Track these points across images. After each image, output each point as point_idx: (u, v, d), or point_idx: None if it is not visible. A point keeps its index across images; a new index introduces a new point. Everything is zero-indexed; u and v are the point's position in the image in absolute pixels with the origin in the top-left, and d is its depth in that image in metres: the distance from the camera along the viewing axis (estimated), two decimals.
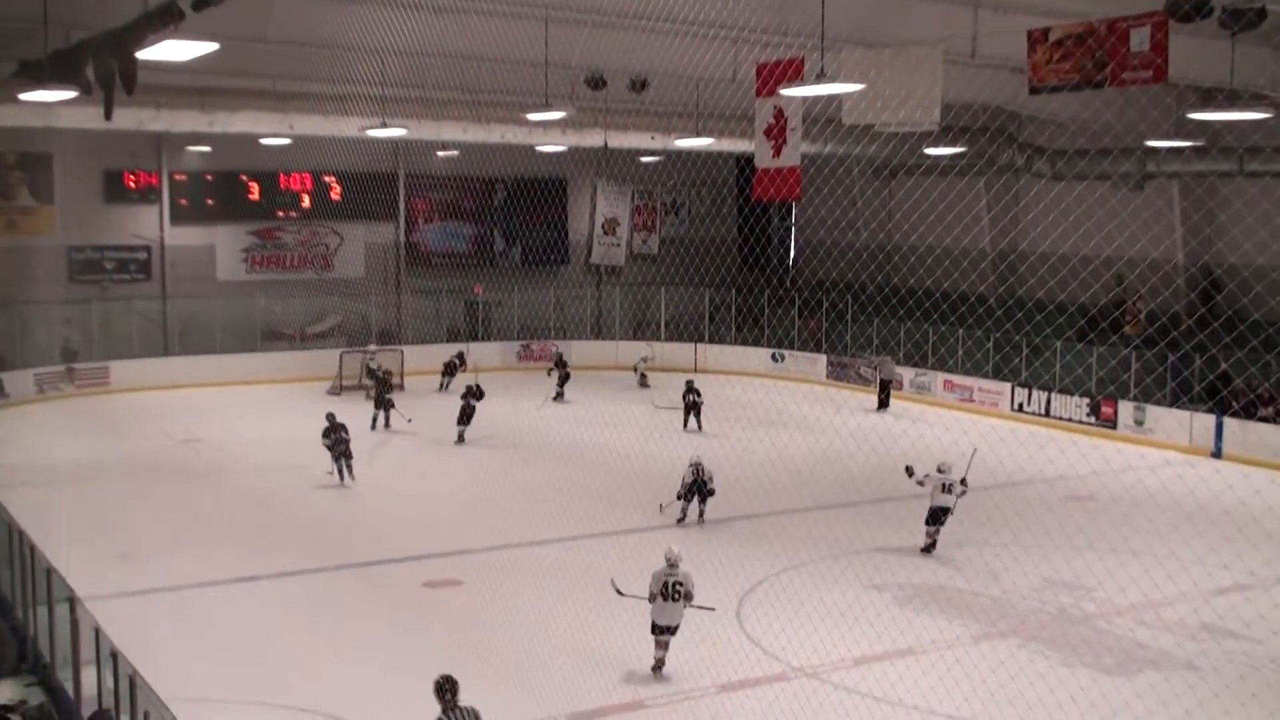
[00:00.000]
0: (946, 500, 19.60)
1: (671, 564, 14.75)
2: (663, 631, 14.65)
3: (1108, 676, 14.40)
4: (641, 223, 45.30)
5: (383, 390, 30.54)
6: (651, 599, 14.65)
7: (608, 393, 34.22)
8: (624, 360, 38.99)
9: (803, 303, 39.90)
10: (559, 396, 33.70)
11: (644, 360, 36.88)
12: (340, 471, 24.09)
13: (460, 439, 28.02)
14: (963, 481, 19.60)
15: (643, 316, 43.10)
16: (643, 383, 36.13)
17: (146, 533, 20.52)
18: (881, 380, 33.96)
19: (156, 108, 25.12)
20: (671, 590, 14.54)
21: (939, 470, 19.78)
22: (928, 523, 19.73)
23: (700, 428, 29.69)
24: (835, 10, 14.90)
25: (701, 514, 21.34)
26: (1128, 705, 13.22)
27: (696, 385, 30.61)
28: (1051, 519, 20.89)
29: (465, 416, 28.27)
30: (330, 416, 24.60)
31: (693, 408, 30.04)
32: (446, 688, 10.86)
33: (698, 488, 21.15)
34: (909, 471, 19.91)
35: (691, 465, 21.38)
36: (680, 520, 21.28)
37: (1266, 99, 21.79)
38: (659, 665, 14.63)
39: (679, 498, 21.32)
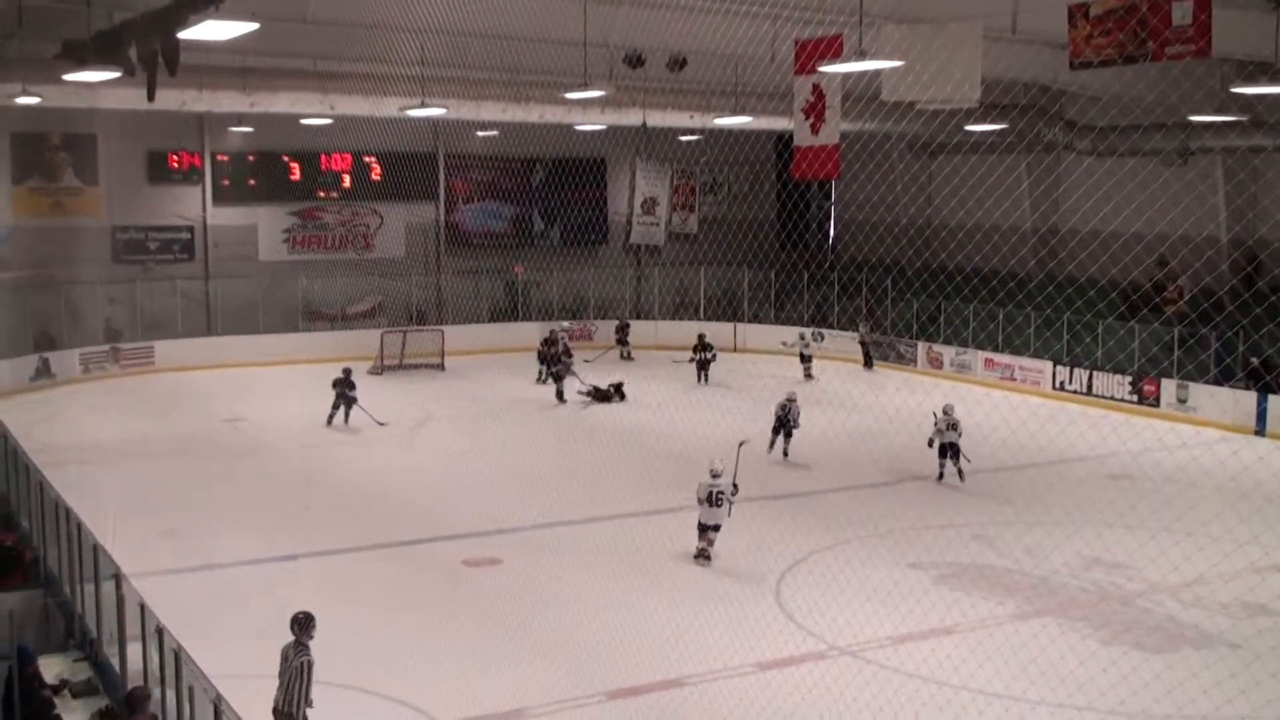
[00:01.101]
0: (952, 436, 22.92)
1: (715, 475, 17.71)
2: (705, 530, 17.78)
3: (1148, 655, 14.33)
4: (680, 202, 45.22)
5: (552, 362, 31.28)
6: (699, 503, 17.70)
7: (649, 371, 34.21)
8: (664, 340, 39.01)
9: (843, 284, 39.71)
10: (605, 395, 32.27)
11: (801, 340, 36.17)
12: (332, 417, 27.39)
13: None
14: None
15: (682, 296, 43.04)
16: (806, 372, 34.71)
17: (191, 511, 20.72)
18: (861, 342, 36.88)
19: (199, 88, 25.30)
20: (715, 498, 17.54)
21: (943, 413, 23.08)
22: (940, 456, 22.96)
23: (707, 381, 32.47)
24: None
25: (785, 450, 24.30)
26: (1168, 684, 13.13)
27: (709, 340, 33.47)
28: (1092, 498, 20.80)
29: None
30: (346, 370, 27.62)
31: (703, 365, 33.06)
32: (308, 624, 11.31)
33: (782, 424, 24.32)
34: (930, 443, 23.13)
35: (781, 403, 24.54)
36: (770, 450, 24.02)
37: None
38: (700, 554, 17.72)
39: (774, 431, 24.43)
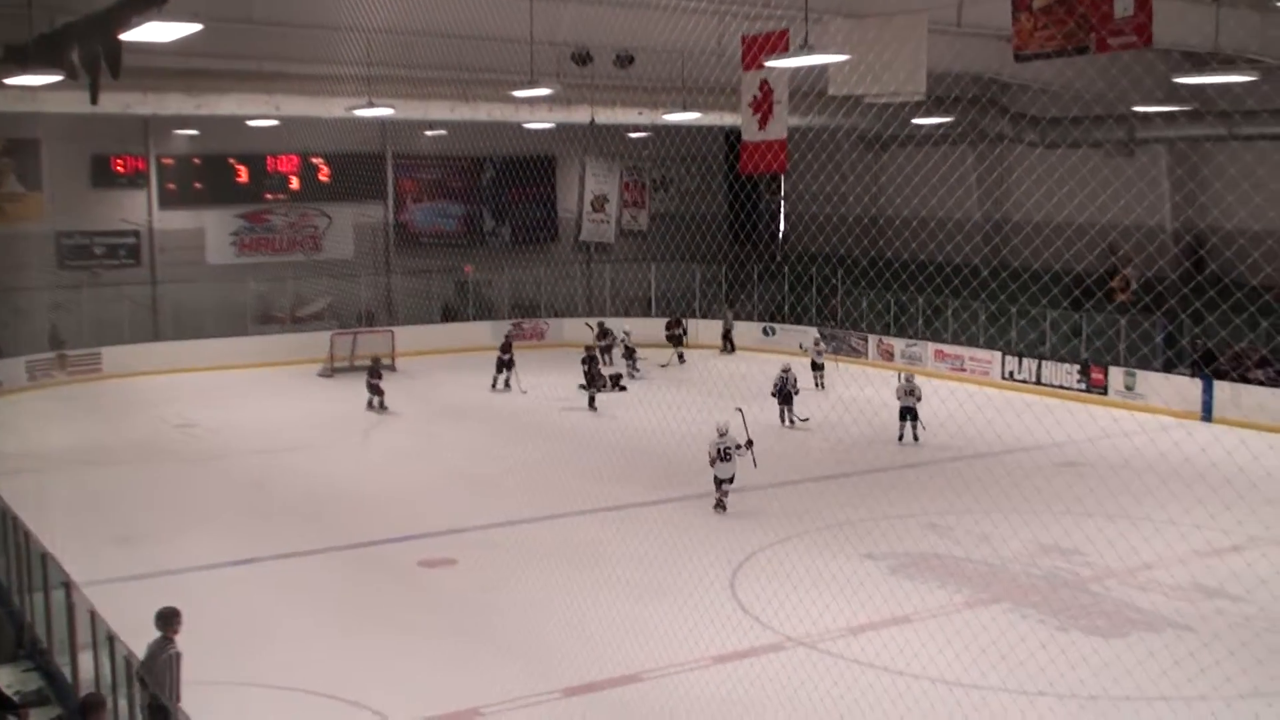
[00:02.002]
0: (910, 401, 25.23)
1: (722, 433, 19.81)
2: (720, 484, 19.93)
3: (1100, 638, 14.47)
4: (631, 199, 45.27)
5: (594, 367, 30.60)
6: (711, 462, 19.79)
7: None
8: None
9: (797, 279, 39.83)
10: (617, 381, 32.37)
11: (626, 334, 36.04)
12: (373, 404, 29.20)
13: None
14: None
15: (633, 293, 43.08)
16: (627, 355, 35.04)
17: (143, 517, 20.53)
18: (724, 329, 38.95)
19: (143, 91, 25.08)
20: (722, 453, 19.71)
21: (905, 379, 25.84)
22: (900, 419, 25.34)
23: (682, 361, 34.37)
24: None
25: (790, 418, 26.88)
26: (1126, 669, 13.27)
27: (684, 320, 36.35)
28: (1043, 485, 20.95)
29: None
30: (375, 359, 29.89)
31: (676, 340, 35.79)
32: (172, 619, 11.07)
33: (782, 393, 26.86)
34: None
35: (779, 375, 27.07)
36: (783, 422, 26.75)
37: (1256, 62, 21.82)
38: (718, 504, 19.96)
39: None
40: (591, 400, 29.36)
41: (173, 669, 10.76)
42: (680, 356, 36.55)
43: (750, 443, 20.16)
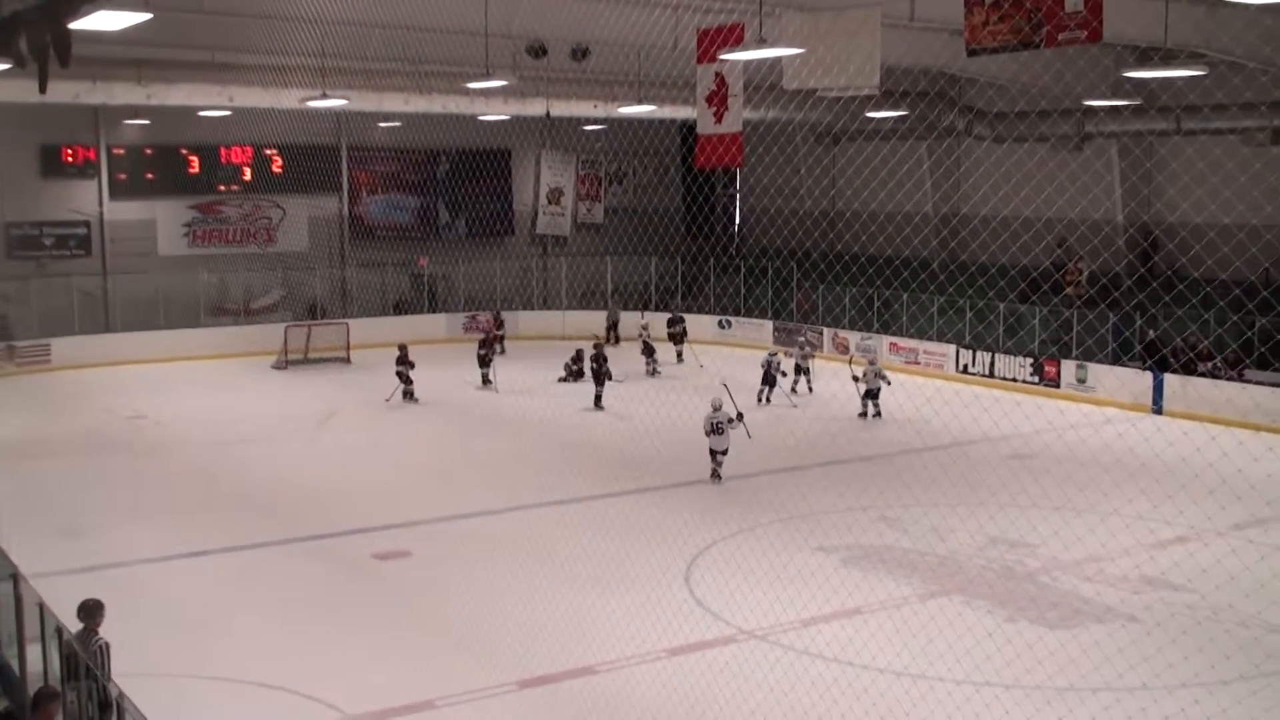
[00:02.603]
0: (879, 383, 26.76)
1: (715, 408, 21.24)
2: (715, 455, 21.42)
3: (1051, 631, 14.61)
4: (586, 192, 45.23)
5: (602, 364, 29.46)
6: (706, 435, 21.27)
7: (555, 362, 34.13)
8: (570, 331, 38.98)
9: (752, 273, 39.90)
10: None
11: (644, 329, 34.86)
12: (408, 394, 29.33)
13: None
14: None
15: (589, 286, 43.05)
16: (647, 352, 33.55)
17: (91, 509, 20.36)
18: (610, 321, 38.97)
19: (93, 80, 24.87)
20: (715, 427, 21.20)
21: (870, 363, 27.96)
22: (863, 398, 27.05)
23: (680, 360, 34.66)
24: None
25: (764, 395, 28.38)
26: (1071, 658, 13.42)
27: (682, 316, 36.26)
28: (996, 478, 21.13)
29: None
30: (402, 348, 29.50)
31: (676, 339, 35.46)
32: (95, 611, 10.96)
33: (768, 377, 28.43)
34: (855, 379, 27.21)
35: (764, 360, 28.85)
36: (760, 401, 28.03)
37: (1202, 57, 22.06)
38: (713, 474, 21.45)
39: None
40: (598, 399, 28.64)
41: (103, 660, 10.68)
42: (679, 355, 35.38)
43: (741, 415, 21.73)
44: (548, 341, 38.27)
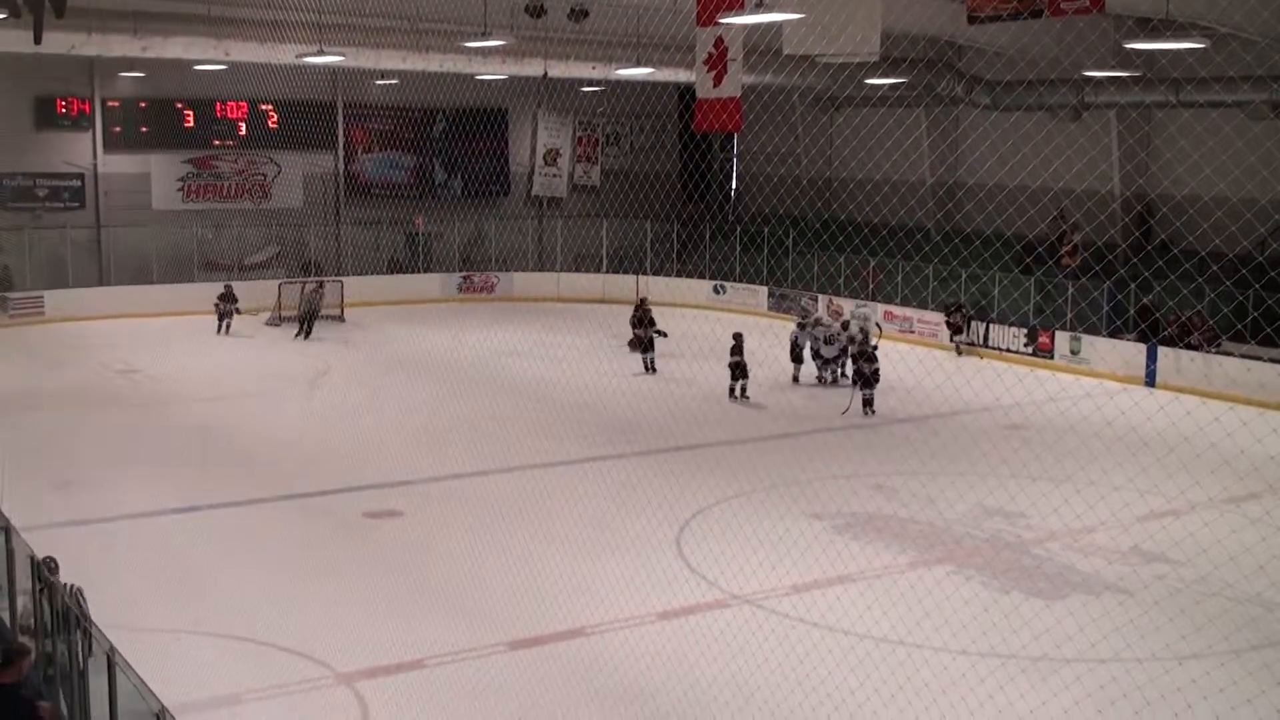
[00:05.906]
0: (861, 336, 25.81)
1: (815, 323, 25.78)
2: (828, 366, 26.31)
3: (1040, 599, 14.63)
4: (583, 154, 45.03)
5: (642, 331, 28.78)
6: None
7: (550, 323, 34.13)
8: (565, 292, 38.89)
9: (748, 239, 39.76)
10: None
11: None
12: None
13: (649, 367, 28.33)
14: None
15: (584, 249, 42.92)
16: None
17: (84, 463, 20.32)
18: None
19: (88, 32, 24.69)
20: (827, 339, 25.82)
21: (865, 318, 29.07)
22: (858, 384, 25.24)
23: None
24: None
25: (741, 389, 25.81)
26: (1059, 626, 13.45)
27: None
28: (988, 447, 21.11)
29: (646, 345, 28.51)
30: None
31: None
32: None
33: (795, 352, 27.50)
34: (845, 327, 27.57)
35: (792, 332, 28.00)
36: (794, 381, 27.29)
37: (1207, 29, 21.93)
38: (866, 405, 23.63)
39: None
40: (650, 363, 28.21)
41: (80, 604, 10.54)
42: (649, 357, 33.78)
43: (663, 333, 25.84)
44: (542, 303, 38.18)
